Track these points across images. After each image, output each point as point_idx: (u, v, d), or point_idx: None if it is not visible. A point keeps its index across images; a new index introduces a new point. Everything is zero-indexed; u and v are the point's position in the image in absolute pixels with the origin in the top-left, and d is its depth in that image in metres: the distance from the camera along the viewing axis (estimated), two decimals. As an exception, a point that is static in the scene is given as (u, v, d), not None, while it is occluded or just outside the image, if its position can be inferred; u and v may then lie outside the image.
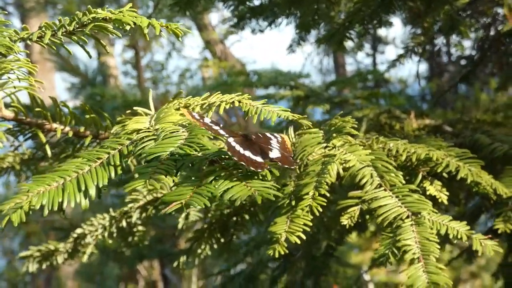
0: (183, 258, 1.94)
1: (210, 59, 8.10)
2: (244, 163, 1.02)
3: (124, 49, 8.46)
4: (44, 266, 1.94)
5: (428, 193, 1.55)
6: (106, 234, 1.90)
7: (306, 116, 1.41)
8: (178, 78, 9.12)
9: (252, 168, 1.03)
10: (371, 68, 8.42)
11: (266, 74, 3.85)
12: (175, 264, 1.95)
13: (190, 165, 1.02)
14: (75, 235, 1.92)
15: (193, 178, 1.01)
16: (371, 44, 8.69)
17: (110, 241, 1.93)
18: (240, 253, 2.82)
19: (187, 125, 1.13)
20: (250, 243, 2.79)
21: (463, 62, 3.51)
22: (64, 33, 1.09)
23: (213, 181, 0.99)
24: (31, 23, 7.79)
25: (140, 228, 1.95)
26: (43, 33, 1.07)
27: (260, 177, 1.01)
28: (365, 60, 10.62)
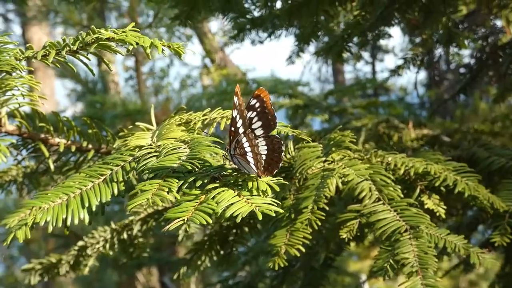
0: (183, 269, 1.96)
1: (210, 67, 8.11)
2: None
3: (124, 57, 8.48)
4: (46, 279, 1.95)
5: (426, 206, 1.56)
6: (107, 246, 1.91)
7: (305, 127, 1.43)
8: (178, 86, 9.14)
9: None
10: (370, 76, 8.45)
11: (265, 82, 3.87)
12: (175, 276, 1.97)
13: (192, 181, 1.04)
14: (76, 248, 1.93)
15: (194, 194, 1.02)
16: (370, 52, 8.71)
17: (111, 253, 1.94)
18: (238, 263, 2.83)
19: (189, 141, 1.15)
20: (249, 253, 2.80)
21: (462, 70, 3.54)
22: (68, 52, 1.11)
23: (214, 198, 1.00)
24: (32, 31, 7.82)
25: (140, 240, 1.97)
26: (47, 52, 1.09)
27: (261, 193, 1.03)
28: (364, 68, 10.66)
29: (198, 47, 8.43)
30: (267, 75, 4.04)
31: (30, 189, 1.76)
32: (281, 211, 1.01)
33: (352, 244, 2.62)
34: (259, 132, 1.12)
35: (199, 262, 1.89)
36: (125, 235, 1.91)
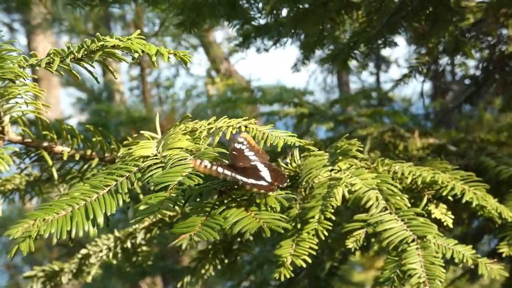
0: (187, 278, 1.94)
1: (215, 77, 8.10)
2: (262, 190, 1.03)
3: (130, 66, 8.47)
4: (48, 287, 1.94)
5: (433, 216, 1.54)
6: (110, 254, 1.89)
7: (310, 136, 1.41)
8: (184, 96, 9.13)
9: (268, 192, 1.04)
10: (374, 86, 8.44)
11: (270, 91, 3.86)
12: (179, 284, 1.95)
13: (198, 195, 1.02)
14: (79, 256, 1.92)
15: (201, 209, 1.00)
16: (374, 63, 8.69)
17: (115, 262, 1.92)
18: (243, 272, 2.81)
19: (195, 151, 1.13)
20: (253, 262, 2.78)
21: (467, 81, 3.52)
22: (73, 60, 1.09)
23: (222, 213, 0.98)
24: (37, 40, 7.82)
25: (144, 248, 1.95)
26: (51, 60, 1.07)
27: (269, 209, 1.01)
28: (369, 78, 10.64)
29: (204, 57, 8.44)
30: (272, 84, 4.01)
31: (33, 197, 1.75)
32: (290, 227, 0.99)
33: (357, 254, 2.61)
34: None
35: (203, 271, 1.87)
36: (128, 244, 1.89)
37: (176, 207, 0.99)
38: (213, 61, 8.07)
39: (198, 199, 1.02)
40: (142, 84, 7.35)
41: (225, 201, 1.01)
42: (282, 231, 0.95)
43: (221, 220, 0.96)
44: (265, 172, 1.11)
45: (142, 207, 0.98)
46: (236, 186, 1.07)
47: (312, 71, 8.67)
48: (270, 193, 1.04)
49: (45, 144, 1.43)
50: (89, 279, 1.93)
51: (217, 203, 1.01)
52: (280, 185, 1.11)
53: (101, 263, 1.96)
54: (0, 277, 10.42)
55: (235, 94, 4.31)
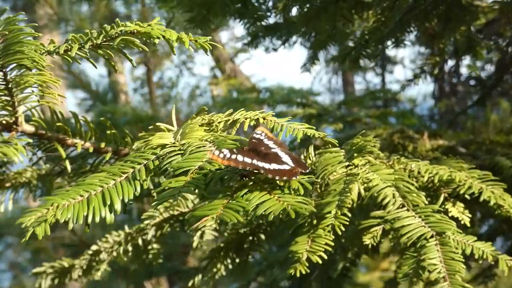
0: (198, 278, 1.91)
1: (219, 77, 8.09)
2: (282, 178, 1.02)
3: (134, 66, 8.45)
4: (56, 283, 1.92)
5: (450, 214, 1.52)
6: (121, 251, 1.87)
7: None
8: (188, 96, 9.11)
9: (290, 178, 1.03)
10: (380, 87, 8.42)
11: (278, 91, 3.84)
12: (190, 283, 1.93)
13: (219, 179, 1.00)
14: (90, 252, 1.89)
15: (223, 192, 0.98)
16: (380, 64, 8.64)
17: (125, 259, 1.90)
18: (252, 273, 2.79)
19: (213, 140, 1.12)
20: (263, 263, 2.76)
21: (472, 82, 3.50)
22: (91, 47, 1.07)
23: (244, 196, 0.97)
24: (43, 40, 7.82)
25: (155, 246, 1.93)
26: (69, 47, 1.05)
27: (292, 191, 0.99)
28: (374, 79, 10.60)
29: (208, 57, 8.42)
30: (279, 84, 3.98)
31: (44, 193, 1.72)
32: (314, 209, 0.98)
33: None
34: None
35: (214, 270, 1.85)
36: (139, 241, 1.87)
37: (198, 192, 0.97)
38: (218, 61, 8.05)
39: (219, 183, 1.01)
40: (148, 84, 7.33)
41: (247, 184, 1.00)
42: (307, 213, 0.94)
43: (244, 203, 0.95)
44: (286, 158, 1.10)
45: (162, 192, 0.97)
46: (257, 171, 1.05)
47: (316, 72, 8.65)
48: (293, 178, 1.03)
49: (59, 136, 1.41)
50: (98, 275, 1.91)
51: (239, 186, 0.99)
52: (303, 171, 1.10)
53: (110, 261, 1.94)
54: (2, 276, 10.39)
55: (243, 95, 4.29)
